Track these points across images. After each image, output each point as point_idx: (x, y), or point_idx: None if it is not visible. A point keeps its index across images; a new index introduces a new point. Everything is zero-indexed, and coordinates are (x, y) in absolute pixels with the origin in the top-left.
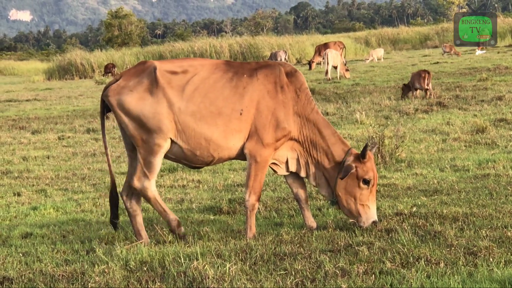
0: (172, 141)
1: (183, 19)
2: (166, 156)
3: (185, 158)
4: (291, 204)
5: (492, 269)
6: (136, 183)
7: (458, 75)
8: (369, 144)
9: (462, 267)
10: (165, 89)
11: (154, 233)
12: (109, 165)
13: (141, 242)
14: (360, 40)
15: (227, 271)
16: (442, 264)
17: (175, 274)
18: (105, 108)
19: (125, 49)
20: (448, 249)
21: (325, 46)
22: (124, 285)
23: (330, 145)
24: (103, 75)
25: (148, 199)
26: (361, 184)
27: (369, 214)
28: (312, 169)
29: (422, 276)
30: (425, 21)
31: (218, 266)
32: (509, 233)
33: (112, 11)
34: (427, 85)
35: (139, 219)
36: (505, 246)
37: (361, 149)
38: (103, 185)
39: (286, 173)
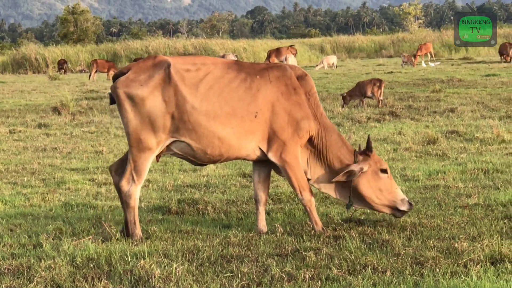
0: (179, 140)
1: (139, 18)
2: (173, 153)
3: (194, 156)
4: (240, 207)
5: (438, 279)
6: (124, 185)
7: (412, 86)
8: (370, 137)
9: (409, 276)
10: (178, 86)
11: (101, 230)
12: None
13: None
14: (315, 46)
15: (174, 271)
16: (388, 273)
17: (122, 272)
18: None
19: (79, 45)
20: (395, 258)
21: (277, 51)
22: (70, 281)
23: (339, 148)
24: (57, 71)
25: (127, 206)
26: (381, 174)
27: (400, 195)
28: (319, 172)
29: (368, 284)
30: (381, 30)
31: (164, 266)
32: (456, 245)
33: (69, 7)
34: (380, 94)
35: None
36: (452, 257)
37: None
38: (52, 180)
39: None
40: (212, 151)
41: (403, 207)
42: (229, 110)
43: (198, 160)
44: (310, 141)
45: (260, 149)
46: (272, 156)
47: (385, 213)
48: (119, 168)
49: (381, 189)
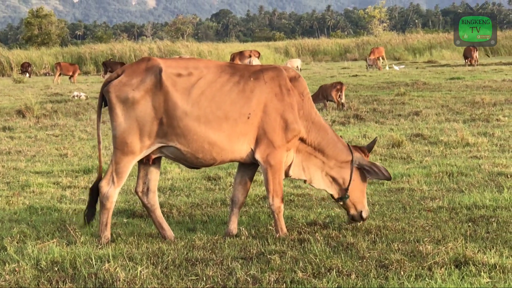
0: (168, 145)
1: (104, 21)
2: (165, 155)
3: (185, 160)
4: (204, 210)
5: (403, 282)
6: (104, 186)
7: (376, 89)
8: (377, 139)
9: (373, 279)
10: (169, 92)
11: (66, 234)
12: (99, 159)
13: (165, 236)
14: (279, 50)
15: (138, 274)
16: (353, 276)
17: (86, 275)
18: (103, 102)
19: (44, 48)
20: (360, 261)
21: (241, 54)
22: (34, 285)
23: (334, 145)
24: (21, 74)
25: (102, 206)
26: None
27: (366, 203)
28: (315, 171)
29: (333, 287)
30: (346, 33)
31: (129, 269)
32: (421, 247)
33: (33, 10)
34: (340, 97)
35: (158, 213)
36: (417, 260)
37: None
38: (16, 184)
39: (285, 177)
40: (203, 156)
41: (365, 215)
42: (221, 114)
43: (190, 164)
44: (305, 143)
45: (252, 150)
46: (258, 156)
47: (348, 213)
48: (143, 187)
49: (362, 190)
